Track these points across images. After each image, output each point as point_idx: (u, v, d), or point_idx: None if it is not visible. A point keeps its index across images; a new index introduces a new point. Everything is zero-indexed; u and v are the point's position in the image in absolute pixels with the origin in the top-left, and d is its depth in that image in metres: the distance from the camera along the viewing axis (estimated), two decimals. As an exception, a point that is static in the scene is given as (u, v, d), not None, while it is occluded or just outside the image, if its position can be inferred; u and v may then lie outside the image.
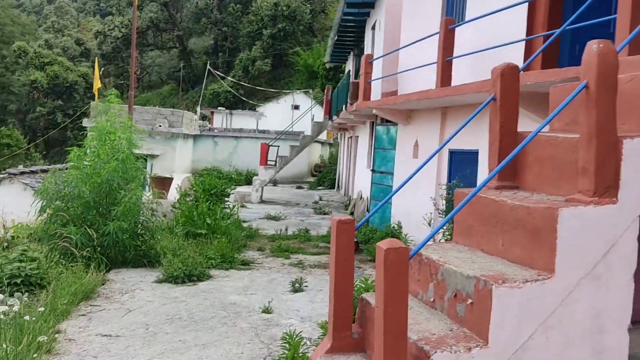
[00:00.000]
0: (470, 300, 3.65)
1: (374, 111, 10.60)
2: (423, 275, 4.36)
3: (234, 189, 16.60)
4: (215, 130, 28.76)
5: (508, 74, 4.42)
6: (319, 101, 31.14)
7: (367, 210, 13.17)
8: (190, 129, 24.97)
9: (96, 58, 26.21)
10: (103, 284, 7.08)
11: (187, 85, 57.24)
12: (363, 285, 5.81)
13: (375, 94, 11.75)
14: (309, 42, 54.62)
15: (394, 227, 10.56)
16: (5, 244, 10.50)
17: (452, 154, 8.93)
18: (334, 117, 17.87)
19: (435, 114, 9.33)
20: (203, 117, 35.15)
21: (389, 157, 11.38)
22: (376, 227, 11.12)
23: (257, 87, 44.63)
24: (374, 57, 11.00)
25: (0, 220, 11.18)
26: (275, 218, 14.13)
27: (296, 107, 37.82)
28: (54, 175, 7.93)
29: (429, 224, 8.77)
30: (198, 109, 37.01)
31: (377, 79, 10.89)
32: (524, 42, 6.74)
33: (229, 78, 46.81)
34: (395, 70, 10.89)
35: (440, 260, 4.05)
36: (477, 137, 7.74)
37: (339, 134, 31.03)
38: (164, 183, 11.03)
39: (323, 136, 26.56)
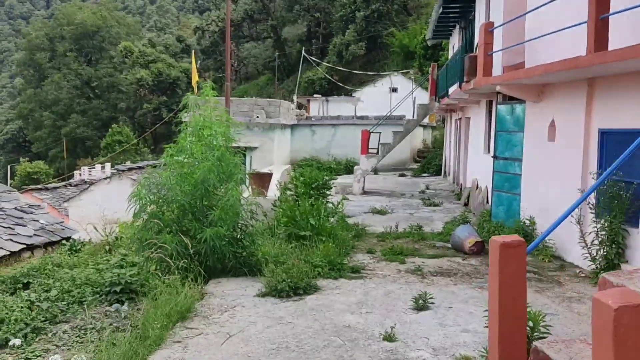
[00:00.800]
0: None
1: (498, 88, 9.08)
2: None
3: (334, 180, 15.65)
4: (313, 119, 28.03)
5: None
6: (420, 83, 29.42)
7: (487, 202, 11.64)
8: (287, 118, 24.38)
9: (193, 51, 26.33)
10: (202, 298, 6.36)
11: (282, 75, 57.40)
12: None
13: (495, 68, 10.16)
14: (404, 21, 52.51)
15: (524, 222, 9.04)
16: (108, 247, 10.27)
17: (605, 134, 7.27)
18: (443, 98, 16.30)
19: (579, 86, 7.67)
20: (299, 106, 34.66)
21: (515, 140, 9.79)
22: (502, 223, 9.63)
23: (354, 71, 43.48)
24: (496, 25, 9.42)
25: (103, 222, 11.01)
26: (381, 212, 12.98)
27: (394, 90, 36.24)
28: (148, 179, 7.30)
29: (579, 223, 7.20)
30: (294, 97, 36.58)
31: (500, 49, 9.33)
32: None
33: (324, 63, 46.08)
34: (519, 39, 9.27)
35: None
36: (644, 113, 6.09)
37: (441, 117, 29.16)
38: (263, 179, 10.26)
39: (425, 119, 24.87)
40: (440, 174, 22.58)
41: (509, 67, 9.85)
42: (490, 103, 12.17)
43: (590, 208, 7.09)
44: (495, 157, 10.34)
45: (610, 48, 6.26)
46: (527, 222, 8.95)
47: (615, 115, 7.02)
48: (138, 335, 5.09)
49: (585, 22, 6.46)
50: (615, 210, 6.69)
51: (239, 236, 7.42)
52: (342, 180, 18.54)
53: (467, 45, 14.29)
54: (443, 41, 28.89)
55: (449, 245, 9.16)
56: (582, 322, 5.47)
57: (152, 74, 57.99)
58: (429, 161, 24.59)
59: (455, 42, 19.69)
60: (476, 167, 13.84)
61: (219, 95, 10.51)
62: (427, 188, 18.02)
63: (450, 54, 21.31)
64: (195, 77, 19.64)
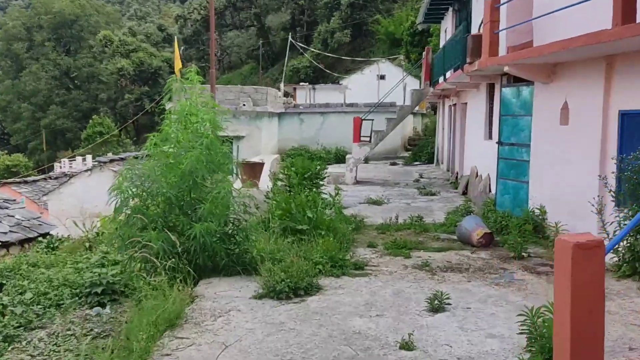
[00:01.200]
0: None
1: (506, 68, 8.51)
2: None
3: (326, 169, 15.02)
4: (301, 107, 27.29)
5: None
6: (410, 71, 28.81)
7: (489, 191, 11.11)
8: (275, 106, 23.64)
9: (175, 38, 25.43)
10: (192, 302, 5.73)
11: (266, 64, 56.44)
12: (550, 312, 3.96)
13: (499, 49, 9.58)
14: (389, 9, 51.82)
15: (533, 212, 8.52)
16: (88, 244, 9.57)
17: (625, 116, 6.74)
18: (441, 82, 15.67)
19: (596, 65, 7.12)
20: (286, 94, 33.89)
21: (522, 125, 9.25)
22: (508, 212, 9.10)
23: (342, 57, 42.71)
24: (503, 1, 8.84)
25: (83, 216, 10.30)
26: (377, 202, 12.41)
27: (382, 77, 35.61)
28: (130, 170, 6.61)
29: (599, 212, 6.68)
30: (281, 85, 35.77)
31: (508, 27, 8.74)
32: None
33: (312, 49, 45.25)
34: (525, 17, 8.69)
35: None
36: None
37: (431, 104, 28.57)
38: (254, 169, 9.62)
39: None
40: (432, 162, 22.08)
41: (513, 48, 9.28)
42: (491, 86, 11.61)
43: (612, 196, 6.57)
44: (500, 143, 9.80)
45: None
46: (537, 211, 8.44)
47: (638, 96, 6.49)
48: (121, 346, 4.48)
49: (609, -7, 5.90)
50: (641, 198, 6.17)
51: (231, 232, 6.78)
52: (333, 169, 17.89)
53: (464, 27, 13.70)
54: (432, 27, 28.28)
55: (455, 237, 8.62)
56: (616, 322, 4.95)
57: (133, 64, 56.65)
58: (420, 149, 24.05)
59: (448, 26, 19.09)
60: (475, 155, 13.31)
61: (204, 83, 9.80)
62: (421, 177, 17.50)
63: (442, 38, 20.72)
64: (178, 64, 18.77)
